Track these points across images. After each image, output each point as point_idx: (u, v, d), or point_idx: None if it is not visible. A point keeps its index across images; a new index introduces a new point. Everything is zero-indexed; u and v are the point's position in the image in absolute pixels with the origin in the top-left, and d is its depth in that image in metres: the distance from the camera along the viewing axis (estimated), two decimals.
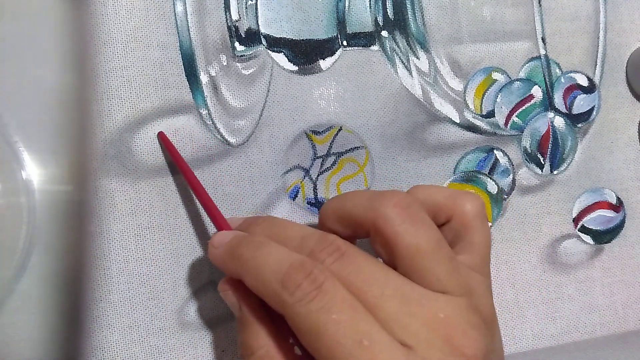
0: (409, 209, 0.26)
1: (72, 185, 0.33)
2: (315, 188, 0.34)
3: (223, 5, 0.31)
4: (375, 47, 0.33)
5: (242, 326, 0.27)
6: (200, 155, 0.35)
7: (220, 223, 0.30)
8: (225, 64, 0.32)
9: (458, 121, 0.34)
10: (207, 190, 0.32)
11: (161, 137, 0.33)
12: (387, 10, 0.31)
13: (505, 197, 0.36)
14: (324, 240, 0.26)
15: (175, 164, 0.33)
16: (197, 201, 0.34)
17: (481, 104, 0.33)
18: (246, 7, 0.32)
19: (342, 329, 0.23)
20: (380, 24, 0.32)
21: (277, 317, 0.26)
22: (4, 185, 0.32)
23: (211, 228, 0.34)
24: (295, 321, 0.24)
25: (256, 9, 0.31)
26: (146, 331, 0.33)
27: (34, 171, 0.33)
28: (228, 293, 0.28)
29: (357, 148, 0.35)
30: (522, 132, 0.32)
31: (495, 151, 0.36)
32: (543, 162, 0.32)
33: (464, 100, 0.33)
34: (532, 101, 0.32)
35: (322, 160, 0.35)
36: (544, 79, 0.31)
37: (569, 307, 0.37)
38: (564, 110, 0.33)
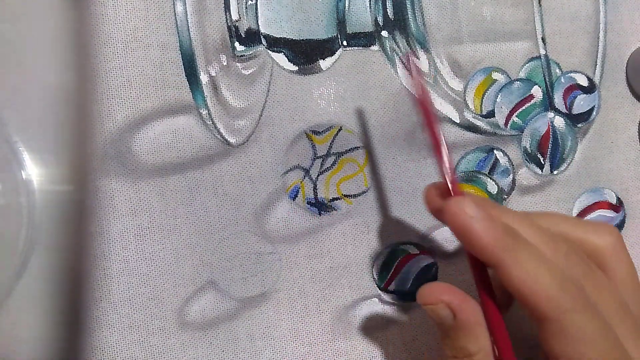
0: (623, 241, 0.29)
1: (72, 185, 0.33)
2: (315, 188, 0.34)
3: (223, 5, 0.31)
4: (375, 47, 0.33)
5: (460, 332, 0.27)
6: (200, 155, 0.35)
7: (455, 185, 0.27)
8: (225, 64, 0.32)
9: (458, 121, 0.34)
10: (210, 190, 0.31)
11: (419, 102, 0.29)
12: (387, 10, 0.31)
13: (505, 197, 0.36)
14: (572, 246, 0.28)
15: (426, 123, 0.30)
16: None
17: (481, 104, 0.33)
18: (246, 7, 0.32)
19: (609, 342, 0.26)
20: (380, 24, 0.32)
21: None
22: (4, 185, 0.33)
23: (212, 227, 0.34)
24: (568, 326, 0.26)
25: (256, 9, 0.31)
26: (146, 331, 0.33)
27: (34, 171, 0.33)
28: (439, 307, 0.28)
29: (357, 148, 0.35)
30: (522, 132, 0.32)
31: (495, 151, 0.36)
32: (543, 162, 0.32)
33: (464, 100, 0.33)
34: (532, 101, 0.32)
35: (322, 160, 0.35)
36: (544, 79, 0.31)
37: None
38: (564, 110, 0.33)
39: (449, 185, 0.27)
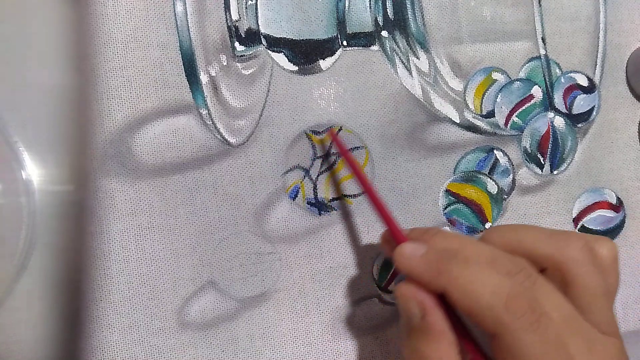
0: (593, 252, 0.28)
1: (72, 185, 0.33)
2: (315, 188, 0.34)
3: (223, 5, 0.31)
4: (375, 47, 0.33)
5: (422, 335, 0.27)
6: (200, 155, 0.35)
7: (397, 234, 0.30)
8: (225, 64, 0.32)
9: (458, 121, 0.34)
10: (210, 190, 0.32)
11: (332, 135, 0.34)
12: (387, 10, 0.31)
13: (505, 197, 0.36)
14: (517, 263, 0.27)
15: (348, 164, 0.34)
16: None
17: (481, 104, 0.33)
18: (246, 7, 0.32)
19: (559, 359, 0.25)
20: (380, 24, 0.32)
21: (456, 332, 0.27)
22: (4, 185, 0.33)
23: (212, 227, 0.34)
24: (515, 344, 0.25)
25: (256, 9, 0.31)
26: (146, 331, 0.33)
27: (34, 171, 0.33)
28: (412, 301, 0.27)
29: (357, 148, 0.35)
30: (522, 132, 0.32)
31: (495, 151, 0.36)
32: (543, 162, 0.32)
33: (464, 100, 0.33)
34: (532, 101, 0.32)
35: (322, 160, 0.35)
36: (544, 79, 0.31)
37: None
38: (564, 110, 0.33)
39: (393, 235, 0.30)
